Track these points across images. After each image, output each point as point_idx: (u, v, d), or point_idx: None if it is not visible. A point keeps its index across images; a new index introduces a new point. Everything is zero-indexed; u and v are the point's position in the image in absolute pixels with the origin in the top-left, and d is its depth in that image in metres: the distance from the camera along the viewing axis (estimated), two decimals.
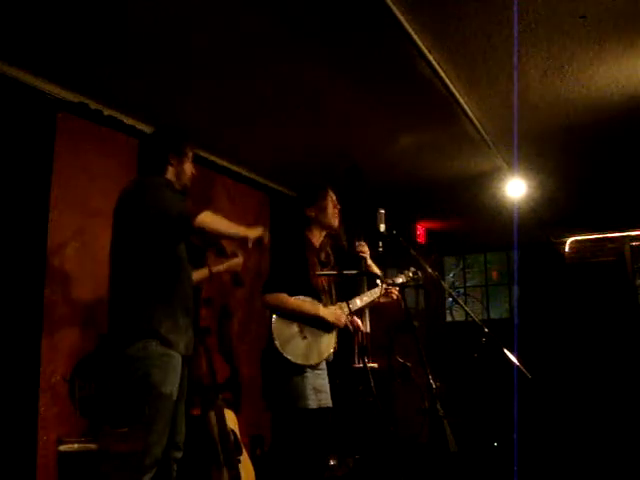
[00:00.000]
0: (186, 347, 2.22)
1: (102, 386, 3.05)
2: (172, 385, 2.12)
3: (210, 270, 2.82)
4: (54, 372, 2.88)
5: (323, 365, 2.70)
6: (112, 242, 2.28)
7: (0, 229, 2.75)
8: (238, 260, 2.85)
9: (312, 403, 2.53)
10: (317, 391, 2.58)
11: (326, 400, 2.63)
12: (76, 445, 2.70)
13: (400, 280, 3.06)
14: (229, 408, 3.30)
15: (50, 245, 2.95)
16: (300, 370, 2.54)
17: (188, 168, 2.40)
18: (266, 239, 2.31)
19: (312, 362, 2.57)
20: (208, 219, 2.16)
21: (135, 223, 2.19)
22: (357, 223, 3.32)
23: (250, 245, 2.26)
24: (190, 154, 2.42)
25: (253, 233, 2.26)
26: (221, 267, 2.86)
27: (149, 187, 2.24)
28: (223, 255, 2.81)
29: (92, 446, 2.70)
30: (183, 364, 2.22)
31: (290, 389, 2.52)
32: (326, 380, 2.69)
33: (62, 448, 2.66)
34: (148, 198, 2.19)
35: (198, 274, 2.74)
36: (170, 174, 2.33)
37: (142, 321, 2.11)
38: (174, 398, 2.14)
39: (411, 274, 3.07)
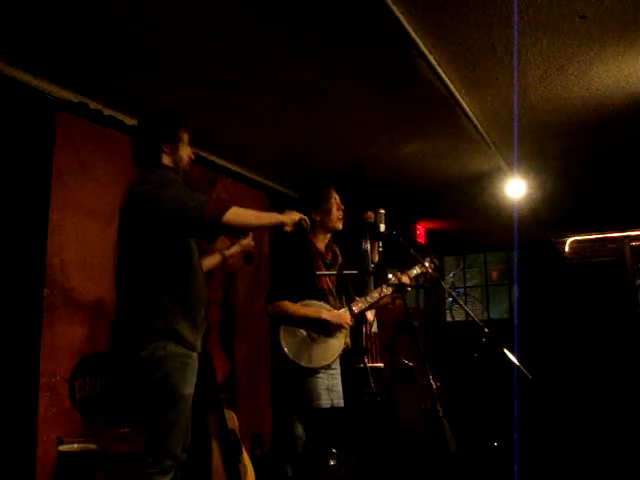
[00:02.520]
0: (202, 344, 2.18)
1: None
2: (191, 385, 2.09)
3: (223, 255, 2.73)
4: (54, 372, 2.88)
5: (336, 365, 2.71)
6: (120, 243, 2.19)
7: (0, 228, 2.75)
8: (249, 239, 2.77)
9: (325, 403, 2.55)
10: (330, 391, 2.60)
11: (338, 400, 2.65)
12: (76, 445, 2.70)
13: (415, 272, 2.95)
14: (229, 408, 3.30)
15: (50, 245, 2.94)
16: (312, 372, 2.55)
17: (185, 153, 2.27)
18: (306, 222, 2.36)
19: (323, 364, 2.59)
20: (235, 216, 2.08)
21: (147, 225, 2.09)
22: (360, 222, 3.30)
23: (290, 229, 2.29)
24: (185, 137, 2.27)
25: (289, 218, 2.29)
26: (233, 250, 2.76)
27: (158, 187, 2.11)
28: (234, 236, 2.73)
29: (92, 446, 2.71)
30: (199, 362, 2.18)
31: (304, 390, 2.54)
32: (338, 380, 2.71)
33: (62, 448, 2.67)
34: (159, 200, 2.06)
35: (210, 260, 2.66)
36: (166, 161, 2.22)
37: (159, 321, 2.04)
38: (191, 398, 2.10)
39: (427, 264, 2.95)
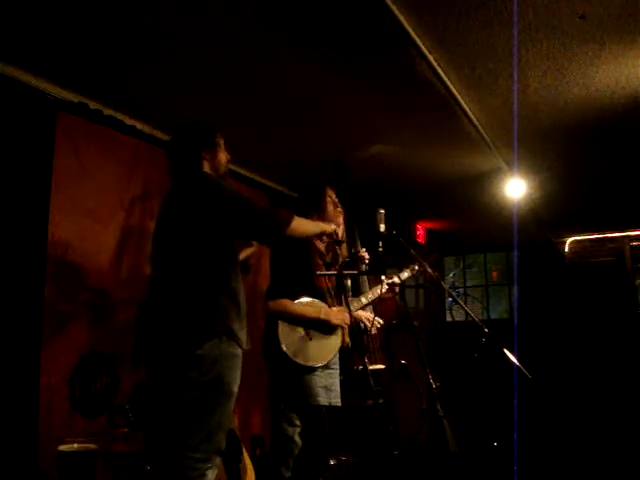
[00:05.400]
0: (246, 342, 2.21)
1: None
2: (238, 383, 2.13)
3: None
4: (54, 372, 2.88)
5: (335, 365, 2.71)
6: (165, 243, 2.21)
7: (0, 229, 2.75)
8: (254, 248, 2.90)
9: (324, 400, 2.55)
10: (327, 390, 2.60)
11: (336, 399, 2.65)
12: (76, 445, 2.70)
13: (406, 274, 3.11)
14: None
15: (50, 244, 2.95)
16: (310, 370, 2.56)
17: (222, 156, 2.37)
18: (336, 234, 2.53)
19: (320, 363, 2.59)
20: (298, 226, 2.22)
21: (207, 227, 2.13)
22: (350, 219, 3.33)
23: (325, 239, 2.52)
24: (221, 142, 2.38)
25: (330, 228, 2.47)
26: (241, 256, 2.89)
27: (227, 190, 2.19)
28: (245, 244, 2.87)
29: (92, 446, 2.71)
30: None
31: (301, 388, 2.55)
32: (337, 380, 2.70)
33: (62, 448, 2.66)
34: (234, 201, 2.16)
35: None
36: (206, 168, 2.30)
37: (217, 320, 2.07)
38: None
39: (417, 267, 3.11)
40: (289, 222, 2.15)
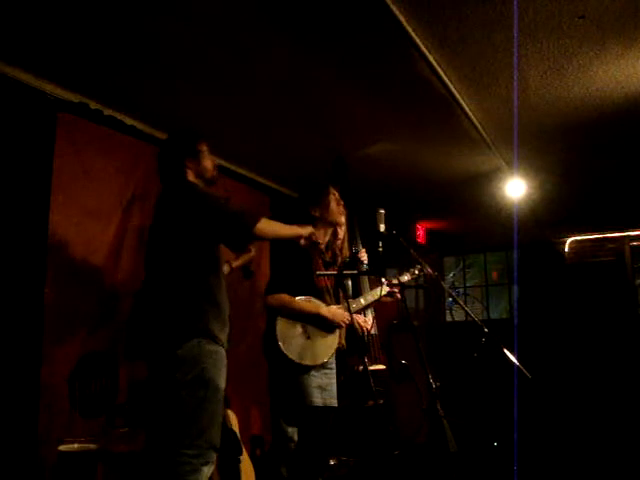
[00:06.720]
0: (228, 341, 2.28)
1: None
2: (224, 379, 2.19)
3: (231, 266, 2.95)
4: (54, 372, 2.88)
5: (332, 365, 2.71)
6: (154, 246, 2.31)
7: (0, 229, 2.75)
8: (252, 254, 3.00)
9: (318, 400, 2.55)
10: (323, 390, 2.60)
11: (331, 400, 2.64)
12: (76, 445, 2.70)
13: (406, 278, 3.09)
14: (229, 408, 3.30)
15: (50, 245, 2.95)
16: (306, 369, 2.55)
17: (208, 163, 2.42)
18: (315, 236, 2.55)
19: (317, 362, 2.59)
20: (267, 228, 2.26)
21: (185, 233, 2.21)
22: (350, 218, 3.33)
23: (303, 242, 2.49)
24: (205, 149, 2.42)
25: (305, 231, 2.48)
26: (239, 262, 3.00)
27: (200, 196, 2.26)
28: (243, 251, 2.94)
29: (92, 446, 2.71)
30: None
31: (296, 387, 2.55)
32: (333, 380, 2.70)
33: (62, 448, 2.66)
34: (204, 206, 2.22)
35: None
36: (191, 176, 2.36)
37: (197, 322, 2.15)
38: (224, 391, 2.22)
39: (417, 271, 3.11)
40: (255, 223, 2.19)
